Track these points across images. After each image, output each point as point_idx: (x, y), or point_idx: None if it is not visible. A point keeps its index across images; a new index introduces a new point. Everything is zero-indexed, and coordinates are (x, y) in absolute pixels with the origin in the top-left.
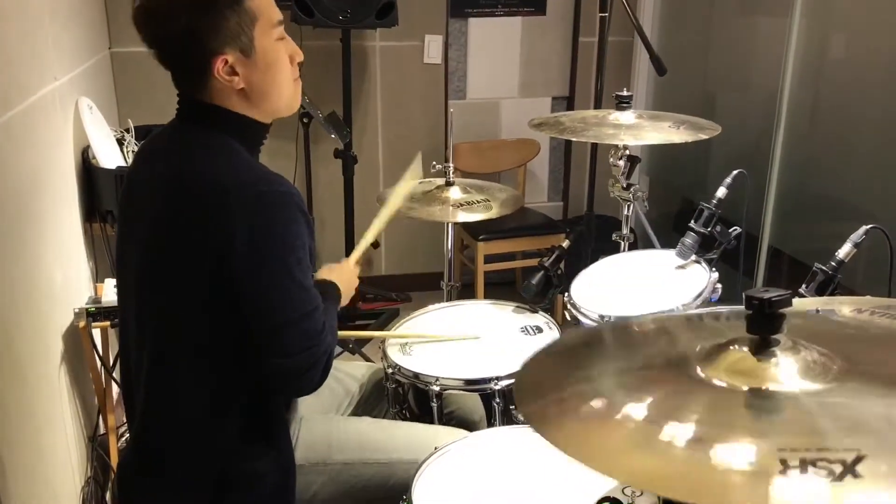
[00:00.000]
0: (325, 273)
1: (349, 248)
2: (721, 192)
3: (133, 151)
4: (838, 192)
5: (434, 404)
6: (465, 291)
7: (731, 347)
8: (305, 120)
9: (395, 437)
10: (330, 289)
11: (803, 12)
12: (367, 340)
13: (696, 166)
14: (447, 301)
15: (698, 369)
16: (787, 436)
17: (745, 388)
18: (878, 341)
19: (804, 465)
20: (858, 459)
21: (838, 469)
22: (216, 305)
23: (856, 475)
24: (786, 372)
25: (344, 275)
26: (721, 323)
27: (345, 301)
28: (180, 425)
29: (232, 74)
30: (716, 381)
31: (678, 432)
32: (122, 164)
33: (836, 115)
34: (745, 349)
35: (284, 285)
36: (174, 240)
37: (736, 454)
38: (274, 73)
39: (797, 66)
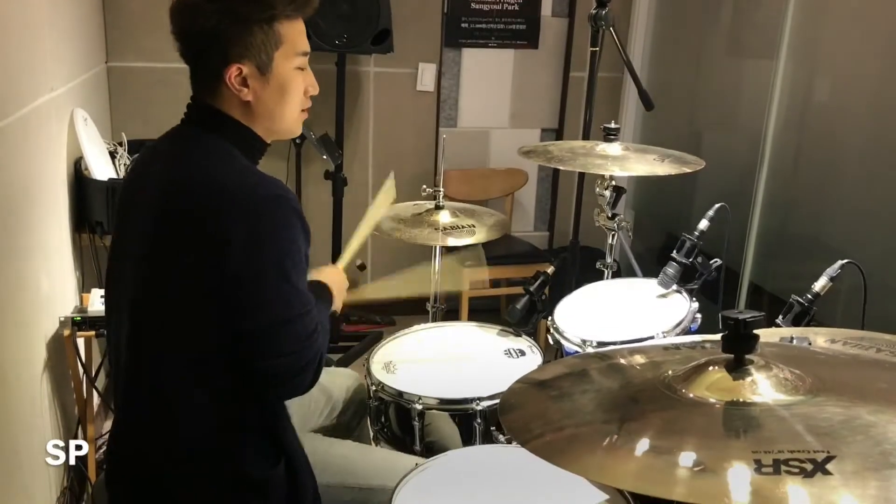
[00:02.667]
0: (315, 275)
1: None
2: (703, 224)
3: (125, 164)
4: (819, 231)
5: (416, 423)
6: (449, 317)
7: (710, 368)
8: (298, 141)
9: (375, 462)
10: (322, 290)
11: (788, 55)
12: (353, 359)
13: (681, 202)
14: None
15: (681, 388)
16: (761, 441)
17: (724, 401)
18: (845, 365)
19: (777, 464)
20: (828, 459)
21: (809, 467)
22: (212, 306)
23: (826, 472)
24: (760, 387)
25: (334, 277)
26: (697, 351)
27: (337, 303)
28: (179, 439)
29: (242, 85)
30: (695, 397)
31: (660, 444)
32: (114, 176)
33: (818, 156)
34: (722, 369)
35: (279, 286)
36: (171, 240)
37: (713, 458)
38: (283, 96)
39: (782, 107)
